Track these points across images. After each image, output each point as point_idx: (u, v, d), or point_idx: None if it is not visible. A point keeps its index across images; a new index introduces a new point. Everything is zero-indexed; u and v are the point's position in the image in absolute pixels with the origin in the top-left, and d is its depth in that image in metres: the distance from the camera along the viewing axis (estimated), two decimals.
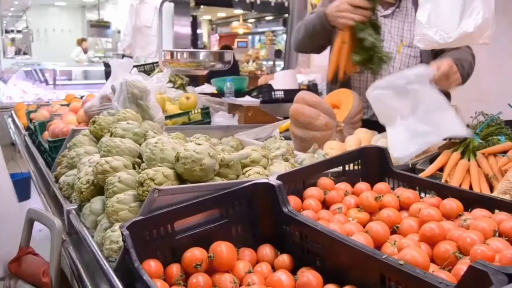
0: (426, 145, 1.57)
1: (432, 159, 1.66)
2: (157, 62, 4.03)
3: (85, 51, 13.43)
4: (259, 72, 11.01)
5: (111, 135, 1.58)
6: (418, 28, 1.63)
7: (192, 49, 3.74)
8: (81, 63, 12.14)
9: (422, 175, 1.55)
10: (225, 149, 1.46)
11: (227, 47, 8.79)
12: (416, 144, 1.54)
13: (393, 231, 1.11)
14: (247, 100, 3.09)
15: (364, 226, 1.12)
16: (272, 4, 6.71)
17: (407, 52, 2.25)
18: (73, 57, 13.00)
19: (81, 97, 3.47)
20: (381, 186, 1.31)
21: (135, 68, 2.26)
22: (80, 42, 13.59)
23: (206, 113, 2.60)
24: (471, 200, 1.15)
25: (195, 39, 9.09)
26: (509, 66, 4.14)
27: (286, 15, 7.24)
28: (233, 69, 4.70)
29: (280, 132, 2.31)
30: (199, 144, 1.25)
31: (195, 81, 4.49)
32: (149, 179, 1.18)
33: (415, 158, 1.78)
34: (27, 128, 3.02)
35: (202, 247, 1.04)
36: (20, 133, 3.14)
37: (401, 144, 1.55)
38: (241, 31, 14.06)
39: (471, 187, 1.47)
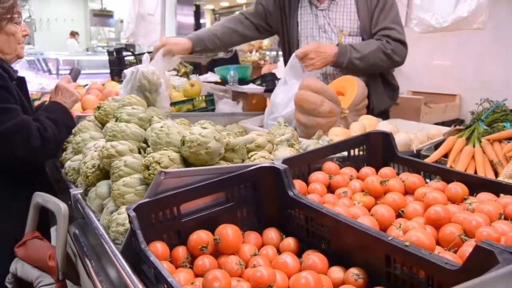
0: None
1: (437, 145, 1.66)
2: None
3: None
4: (262, 62, 10.92)
5: (116, 120, 1.58)
6: (415, 12, 1.63)
7: None
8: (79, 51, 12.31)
9: (427, 161, 1.55)
10: (231, 134, 1.46)
11: None
12: None
13: (398, 215, 1.11)
14: (251, 88, 3.09)
15: (369, 210, 1.12)
16: None
17: (349, 41, 2.33)
18: (77, 48, 13.12)
19: (85, 86, 3.47)
20: (386, 171, 1.31)
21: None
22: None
23: (210, 100, 2.59)
24: (476, 185, 1.15)
25: (198, 28, 9.07)
26: None
27: None
28: (234, 59, 4.68)
29: None
30: (205, 128, 1.24)
31: (198, 69, 4.48)
32: (155, 162, 1.18)
33: (420, 144, 1.78)
34: None
35: (208, 230, 1.05)
36: None
37: None
38: None
39: (476, 173, 1.47)
